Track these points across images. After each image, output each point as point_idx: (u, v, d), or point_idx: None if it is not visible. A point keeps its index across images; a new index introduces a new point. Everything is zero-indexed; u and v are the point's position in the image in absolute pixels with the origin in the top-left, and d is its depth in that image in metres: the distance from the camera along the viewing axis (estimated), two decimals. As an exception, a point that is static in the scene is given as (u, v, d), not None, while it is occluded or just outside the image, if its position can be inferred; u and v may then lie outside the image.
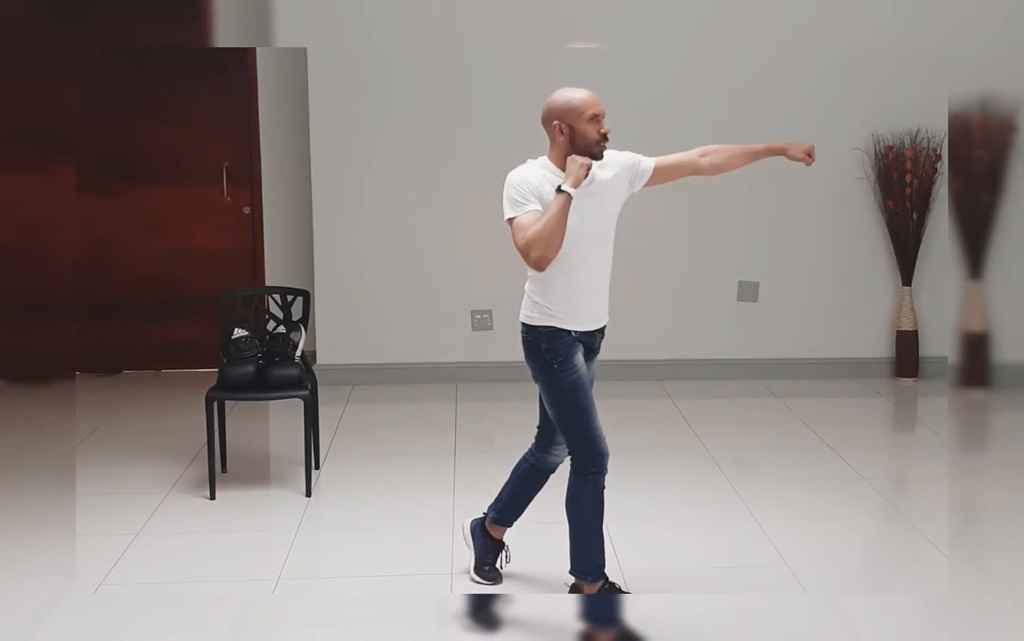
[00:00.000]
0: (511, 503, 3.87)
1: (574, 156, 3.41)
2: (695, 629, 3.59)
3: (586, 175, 3.39)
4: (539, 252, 3.33)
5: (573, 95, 3.47)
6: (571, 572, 3.64)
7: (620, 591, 3.67)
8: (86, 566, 4.07)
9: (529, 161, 3.51)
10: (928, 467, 5.30)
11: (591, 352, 3.61)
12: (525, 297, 3.56)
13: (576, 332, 3.52)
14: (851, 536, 4.46)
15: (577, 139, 3.44)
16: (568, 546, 3.63)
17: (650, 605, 3.71)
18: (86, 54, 6.65)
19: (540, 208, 3.37)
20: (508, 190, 3.43)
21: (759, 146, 3.85)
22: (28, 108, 6.70)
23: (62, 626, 3.66)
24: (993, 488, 4.94)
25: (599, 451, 3.51)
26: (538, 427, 3.78)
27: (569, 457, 3.58)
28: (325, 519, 4.68)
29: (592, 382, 3.59)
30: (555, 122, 3.45)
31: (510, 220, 3.39)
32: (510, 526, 3.92)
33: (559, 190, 3.35)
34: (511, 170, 3.49)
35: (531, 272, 3.50)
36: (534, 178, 3.42)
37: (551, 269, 3.41)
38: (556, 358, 3.47)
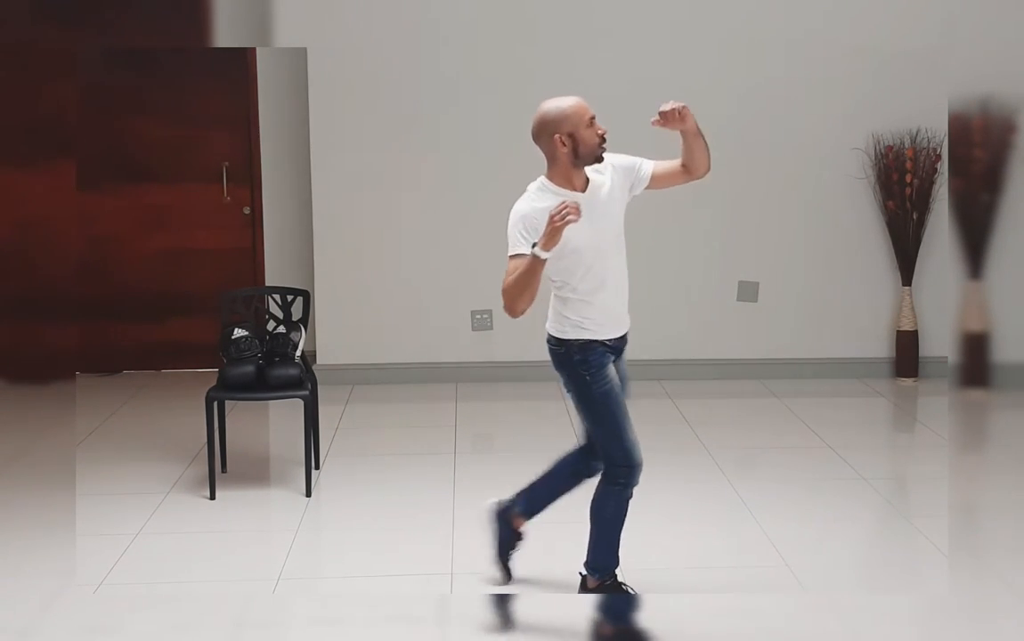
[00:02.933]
0: (544, 497, 3.82)
1: (557, 217, 3.20)
2: (695, 629, 3.59)
3: (559, 238, 3.23)
4: (508, 304, 3.32)
5: (567, 103, 3.38)
6: (584, 565, 3.67)
7: (628, 591, 3.67)
8: (86, 566, 4.07)
9: (529, 188, 3.43)
10: (928, 467, 5.31)
11: (618, 353, 3.61)
12: (552, 310, 3.53)
13: (610, 340, 3.52)
14: (851, 536, 4.46)
15: (580, 147, 3.36)
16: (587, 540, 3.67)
17: (650, 605, 3.71)
18: (86, 53, 6.65)
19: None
20: (511, 227, 3.36)
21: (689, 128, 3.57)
22: (28, 106, 6.70)
23: (62, 626, 3.67)
24: (993, 488, 4.94)
25: (631, 462, 3.53)
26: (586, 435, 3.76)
27: (602, 460, 3.60)
28: (325, 519, 4.68)
29: (625, 381, 3.64)
30: (556, 135, 3.34)
31: (510, 257, 3.35)
32: (531, 518, 3.86)
33: (532, 250, 3.25)
34: (510, 176, 3.47)
35: (558, 291, 3.48)
36: (531, 212, 3.34)
37: (582, 287, 3.42)
38: (588, 370, 3.46)
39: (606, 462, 3.56)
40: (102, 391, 6.69)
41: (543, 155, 3.46)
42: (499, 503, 3.87)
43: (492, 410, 6.31)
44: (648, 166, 3.60)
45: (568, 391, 3.55)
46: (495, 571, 3.88)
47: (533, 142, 3.46)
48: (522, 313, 3.33)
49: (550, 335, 3.53)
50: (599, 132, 3.40)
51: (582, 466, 3.77)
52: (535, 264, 3.25)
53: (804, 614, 3.71)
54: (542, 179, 3.44)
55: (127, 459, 5.38)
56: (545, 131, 3.37)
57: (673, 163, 3.63)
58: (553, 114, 3.37)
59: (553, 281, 3.48)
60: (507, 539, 3.85)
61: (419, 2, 6.57)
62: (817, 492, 4.86)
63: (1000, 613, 3.70)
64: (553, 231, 3.22)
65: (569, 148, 3.36)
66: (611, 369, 3.51)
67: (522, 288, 3.26)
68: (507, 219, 3.42)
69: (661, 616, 3.65)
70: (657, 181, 3.58)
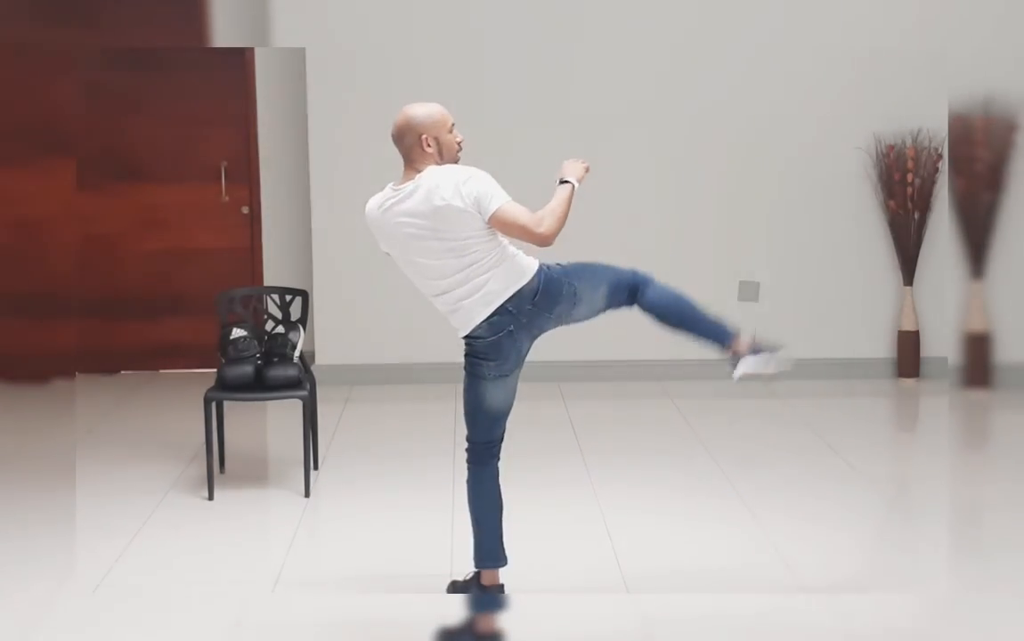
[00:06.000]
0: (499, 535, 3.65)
1: (576, 161, 3.56)
2: (695, 629, 3.58)
3: (584, 173, 3.55)
4: (557, 227, 3.39)
5: (433, 108, 3.54)
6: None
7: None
8: (86, 566, 4.06)
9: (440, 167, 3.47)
10: (928, 467, 5.29)
11: None
12: (507, 266, 3.47)
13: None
14: (851, 536, 4.45)
15: (444, 150, 3.51)
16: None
17: (650, 605, 3.70)
18: (86, 53, 6.65)
19: None
20: (486, 180, 3.41)
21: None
22: (28, 105, 6.70)
23: (62, 626, 3.66)
24: (994, 487, 4.93)
25: None
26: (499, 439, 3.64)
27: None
28: (324, 519, 4.68)
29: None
30: (422, 136, 3.48)
31: (508, 203, 3.39)
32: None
33: (563, 182, 3.47)
34: (509, 175, 3.45)
35: (503, 243, 3.46)
36: None
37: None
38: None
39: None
40: (101, 391, 6.69)
41: (402, 156, 3.57)
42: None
43: (492, 410, 6.29)
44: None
45: (575, 302, 3.56)
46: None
47: (393, 141, 3.59)
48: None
49: (529, 282, 3.47)
50: (457, 139, 3.56)
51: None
52: (571, 192, 3.48)
53: (804, 614, 3.70)
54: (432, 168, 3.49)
55: (126, 459, 5.37)
56: (411, 132, 3.52)
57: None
58: (421, 116, 3.53)
59: (492, 253, 3.45)
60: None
61: (418, 2, 6.56)
62: (817, 492, 4.85)
63: (1000, 613, 3.69)
64: (583, 168, 3.56)
65: (434, 150, 3.51)
66: None
67: (566, 210, 3.45)
68: (436, 200, 3.40)
69: (661, 617, 3.64)
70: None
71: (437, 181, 3.42)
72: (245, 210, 7.05)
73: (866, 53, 6.60)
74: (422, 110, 3.54)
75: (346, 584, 3.98)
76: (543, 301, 3.50)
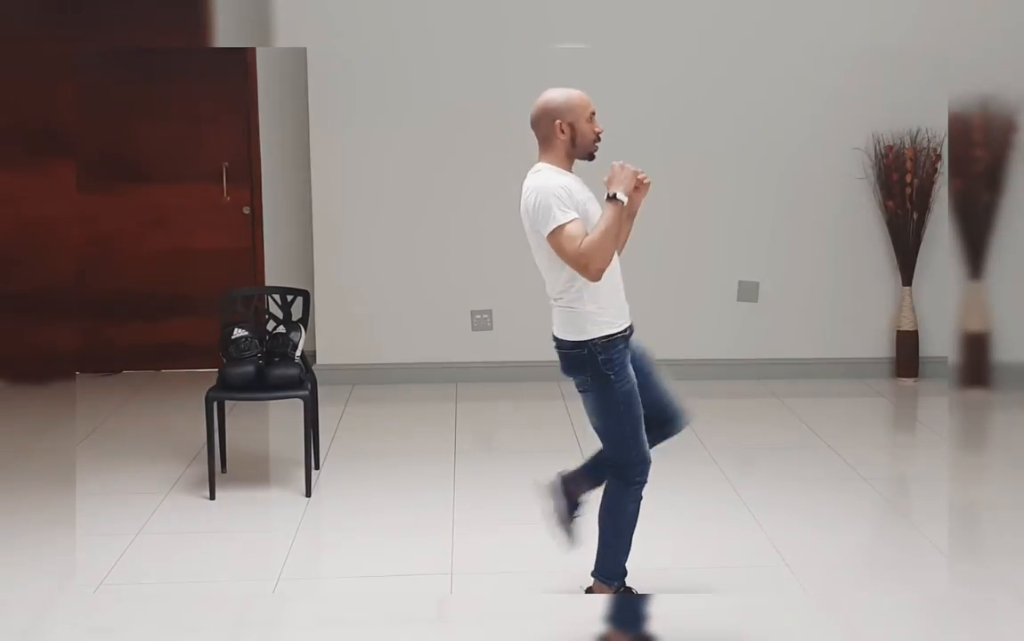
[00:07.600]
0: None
1: (623, 164, 3.35)
2: (695, 629, 3.59)
3: (634, 181, 3.36)
4: (599, 263, 3.25)
5: (572, 94, 3.41)
6: (594, 574, 3.59)
7: (636, 595, 3.64)
8: (86, 566, 4.07)
9: (545, 168, 3.38)
10: (928, 467, 5.30)
11: (626, 343, 3.49)
12: (564, 312, 3.39)
13: (625, 331, 3.45)
14: (851, 536, 4.45)
15: (578, 139, 3.38)
16: (596, 550, 3.59)
17: (650, 605, 3.71)
18: (86, 53, 6.65)
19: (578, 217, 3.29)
20: (548, 197, 3.27)
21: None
22: (28, 106, 6.71)
23: (62, 626, 3.66)
24: (993, 488, 4.94)
25: (647, 458, 3.47)
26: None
27: (611, 464, 3.51)
28: (325, 519, 4.68)
29: (644, 353, 3.56)
30: (557, 121, 3.36)
31: (558, 228, 3.25)
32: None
33: (612, 198, 3.29)
34: (510, 175, 3.39)
35: (574, 285, 3.35)
36: (562, 185, 3.31)
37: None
38: (613, 368, 3.37)
39: (622, 463, 3.45)
40: (102, 391, 6.69)
41: (537, 141, 3.45)
42: (562, 474, 3.70)
43: (492, 410, 6.31)
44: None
45: (585, 392, 3.42)
46: (560, 535, 3.72)
47: (530, 126, 3.45)
48: (604, 273, 3.30)
49: (565, 341, 3.40)
50: (596, 129, 3.42)
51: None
52: (620, 210, 3.30)
53: (804, 614, 3.71)
54: (544, 164, 3.40)
55: (127, 459, 5.38)
56: (548, 116, 3.39)
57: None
58: (559, 101, 3.40)
59: (559, 283, 3.38)
60: (565, 509, 3.69)
61: (419, 2, 6.57)
62: (817, 492, 4.86)
63: (1000, 613, 3.70)
64: (640, 184, 3.39)
65: (568, 137, 3.38)
66: (630, 366, 3.44)
67: (614, 237, 3.29)
68: (521, 204, 3.37)
69: (660, 617, 3.65)
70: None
71: (527, 183, 3.36)
72: (246, 210, 7.05)
73: (865, 53, 6.61)
74: (560, 94, 3.40)
75: (347, 583, 3.99)
76: (567, 365, 3.44)
